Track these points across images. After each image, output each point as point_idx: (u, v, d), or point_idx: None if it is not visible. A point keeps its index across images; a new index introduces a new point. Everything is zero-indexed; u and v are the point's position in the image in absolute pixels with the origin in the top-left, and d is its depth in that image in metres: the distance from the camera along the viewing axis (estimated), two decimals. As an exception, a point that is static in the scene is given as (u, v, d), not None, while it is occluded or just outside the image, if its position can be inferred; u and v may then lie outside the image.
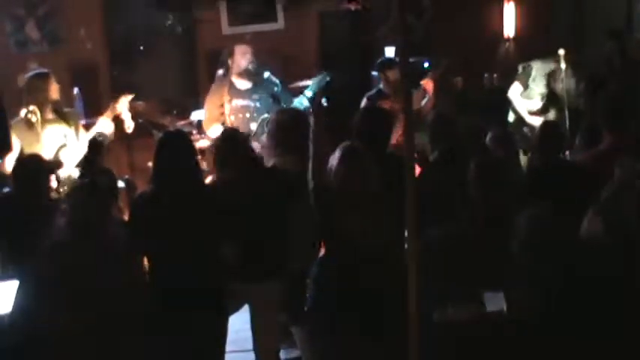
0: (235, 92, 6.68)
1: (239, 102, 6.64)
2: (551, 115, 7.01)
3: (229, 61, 6.72)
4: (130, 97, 6.12)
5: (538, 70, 7.12)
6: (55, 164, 5.40)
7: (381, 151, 4.79)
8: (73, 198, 4.09)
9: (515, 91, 7.20)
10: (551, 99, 7.05)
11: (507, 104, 7.22)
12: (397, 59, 7.30)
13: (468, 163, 4.74)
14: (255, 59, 6.70)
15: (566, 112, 6.79)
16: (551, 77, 7.04)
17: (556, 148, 5.34)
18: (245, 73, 6.67)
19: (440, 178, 4.83)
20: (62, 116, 5.85)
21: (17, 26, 8.14)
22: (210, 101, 6.73)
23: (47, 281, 3.85)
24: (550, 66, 7.04)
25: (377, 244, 4.03)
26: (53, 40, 8.22)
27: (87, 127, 6.03)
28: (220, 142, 4.85)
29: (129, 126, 6.09)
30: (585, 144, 5.45)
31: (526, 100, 7.14)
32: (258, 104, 6.65)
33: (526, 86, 7.15)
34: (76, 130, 5.93)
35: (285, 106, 6.51)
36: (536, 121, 6.99)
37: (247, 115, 6.59)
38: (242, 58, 6.67)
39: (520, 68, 7.27)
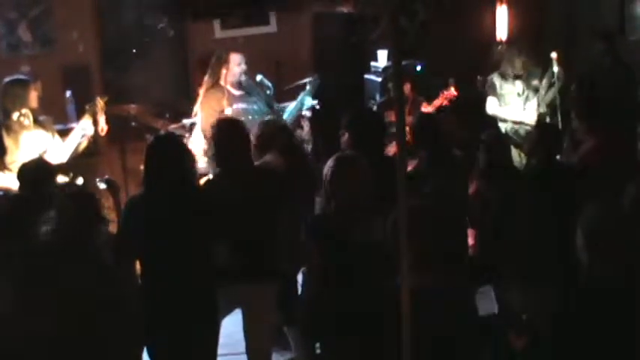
0: (232, 97, 6.75)
1: (240, 105, 6.71)
2: (537, 102, 7.06)
3: (223, 69, 6.74)
4: (104, 98, 6.10)
5: (498, 78, 7.20)
6: (59, 167, 5.36)
7: (376, 154, 4.79)
8: (60, 205, 4.02)
9: (492, 106, 7.25)
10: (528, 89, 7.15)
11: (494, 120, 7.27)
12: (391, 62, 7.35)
13: (454, 165, 4.76)
14: (247, 69, 6.81)
15: (559, 115, 6.83)
16: (517, 78, 7.12)
17: (552, 150, 5.35)
18: (237, 84, 6.78)
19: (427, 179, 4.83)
20: (39, 124, 5.82)
21: (9, 28, 8.11)
22: (209, 107, 6.72)
23: (27, 286, 3.81)
24: (508, 70, 7.14)
25: (371, 245, 4.03)
26: (45, 43, 8.20)
27: (62, 134, 6.00)
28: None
29: (102, 127, 6.06)
30: (573, 145, 5.48)
31: (506, 106, 7.18)
32: (255, 107, 6.73)
33: (499, 96, 7.19)
34: (52, 137, 5.91)
35: (276, 108, 6.61)
36: (529, 117, 7.03)
37: (249, 117, 6.62)
38: (237, 67, 6.77)
39: (486, 87, 7.32)
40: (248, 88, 6.81)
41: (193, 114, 6.94)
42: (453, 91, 6.89)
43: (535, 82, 7.17)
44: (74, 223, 3.92)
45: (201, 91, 6.82)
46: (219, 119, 5.12)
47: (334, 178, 4.10)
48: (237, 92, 6.78)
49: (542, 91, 7.10)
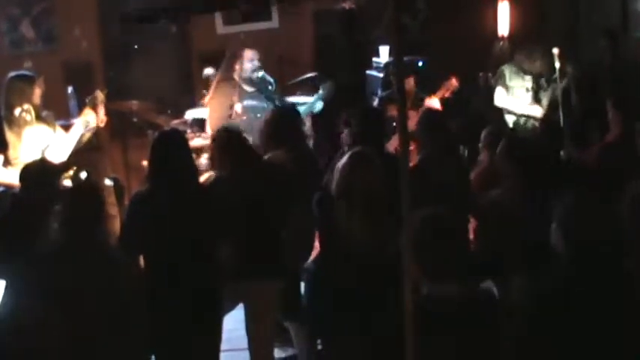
0: (244, 93, 6.86)
1: (250, 102, 6.78)
2: (545, 101, 7.07)
3: (237, 64, 6.88)
4: (104, 91, 6.11)
5: (509, 70, 7.18)
6: (64, 166, 5.36)
7: (376, 151, 4.79)
8: (67, 198, 4.05)
9: (501, 97, 7.21)
10: (538, 88, 7.14)
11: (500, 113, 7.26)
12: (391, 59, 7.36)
13: (457, 161, 4.75)
14: (259, 65, 6.93)
15: (560, 112, 6.82)
16: (525, 72, 7.11)
17: (557, 145, 5.34)
18: (249, 79, 6.88)
19: (429, 175, 4.83)
20: (41, 120, 5.82)
21: (12, 25, 8.13)
22: (219, 101, 6.80)
23: (39, 282, 3.81)
24: (518, 64, 7.13)
25: (375, 244, 4.03)
26: (48, 40, 8.22)
27: (65, 129, 6.01)
28: (218, 138, 4.84)
29: (102, 119, 6.08)
30: (573, 141, 5.47)
31: (514, 99, 7.17)
32: (265, 104, 6.80)
33: (507, 88, 7.18)
34: (54, 132, 5.92)
35: (278, 103, 6.65)
36: (537, 111, 7.03)
37: (258, 115, 6.67)
38: (249, 63, 6.89)
39: (493, 80, 7.31)
40: (260, 85, 6.88)
41: (204, 105, 7.07)
42: (454, 82, 6.90)
43: (541, 81, 7.15)
44: (80, 216, 3.91)
45: (212, 85, 6.92)
46: (219, 130, 5.05)
47: (350, 174, 4.08)
48: (249, 88, 6.86)
49: (549, 90, 7.09)
